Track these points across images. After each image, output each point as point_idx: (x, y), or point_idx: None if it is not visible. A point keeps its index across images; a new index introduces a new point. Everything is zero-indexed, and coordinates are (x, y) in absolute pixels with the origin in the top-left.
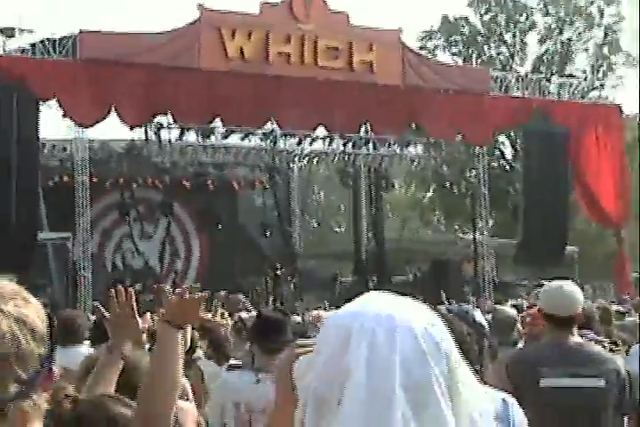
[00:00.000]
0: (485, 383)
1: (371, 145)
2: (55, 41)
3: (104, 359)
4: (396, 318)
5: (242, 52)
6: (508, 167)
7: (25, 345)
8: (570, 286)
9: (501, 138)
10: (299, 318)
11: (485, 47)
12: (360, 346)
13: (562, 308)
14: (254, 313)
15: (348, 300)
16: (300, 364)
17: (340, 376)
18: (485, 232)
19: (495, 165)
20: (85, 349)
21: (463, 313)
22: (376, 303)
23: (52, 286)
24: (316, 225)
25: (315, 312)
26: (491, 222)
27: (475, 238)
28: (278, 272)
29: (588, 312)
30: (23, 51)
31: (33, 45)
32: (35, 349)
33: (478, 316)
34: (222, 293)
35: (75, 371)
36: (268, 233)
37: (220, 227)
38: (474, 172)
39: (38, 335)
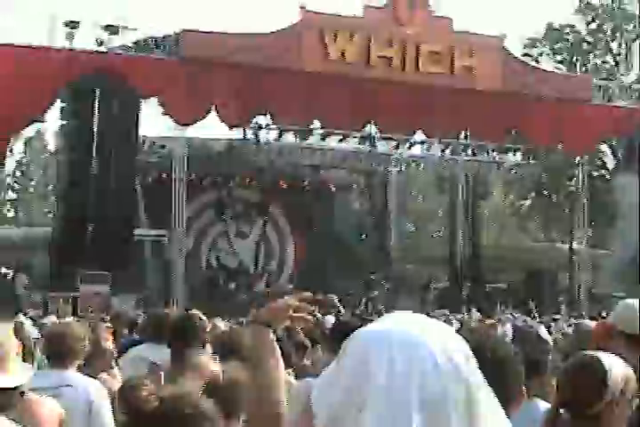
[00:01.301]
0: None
1: (470, 151)
2: (158, 39)
3: None
4: (415, 337)
5: (343, 55)
6: (609, 177)
7: None
8: None
9: (603, 147)
10: None
11: (590, 56)
12: (380, 363)
13: (634, 325)
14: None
15: (441, 306)
16: (323, 375)
17: (361, 393)
18: (584, 242)
19: (596, 174)
20: None
21: (527, 329)
22: (400, 322)
23: (147, 282)
24: (412, 230)
25: None
26: (589, 232)
27: (572, 248)
28: (372, 276)
29: None
30: (126, 48)
31: (136, 43)
32: None
33: (543, 332)
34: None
35: (163, 366)
36: (363, 236)
37: (315, 229)
38: (574, 181)
39: None
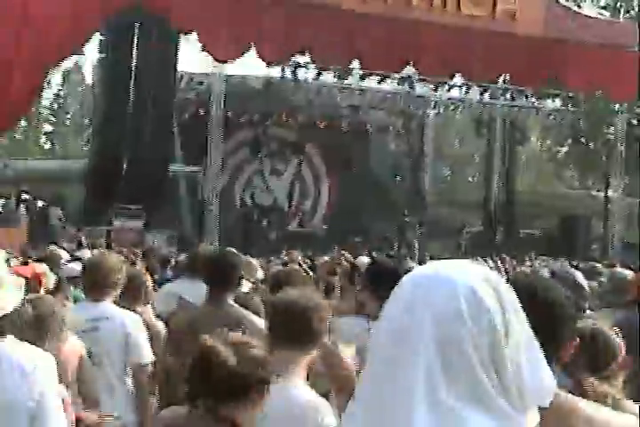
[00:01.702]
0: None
1: (508, 96)
2: None
3: None
4: (438, 275)
5: None
6: None
7: None
8: None
9: None
10: (414, 265)
11: (634, 1)
12: (400, 301)
13: None
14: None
15: (474, 250)
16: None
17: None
18: (619, 190)
19: (635, 122)
20: None
21: (564, 274)
22: (438, 266)
23: (181, 218)
24: (447, 173)
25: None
26: (625, 181)
27: (607, 196)
28: (406, 219)
29: None
30: None
31: None
32: None
33: (579, 277)
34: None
35: (193, 304)
36: (398, 178)
37: (351, 170)
38: (612, 128)
39: None
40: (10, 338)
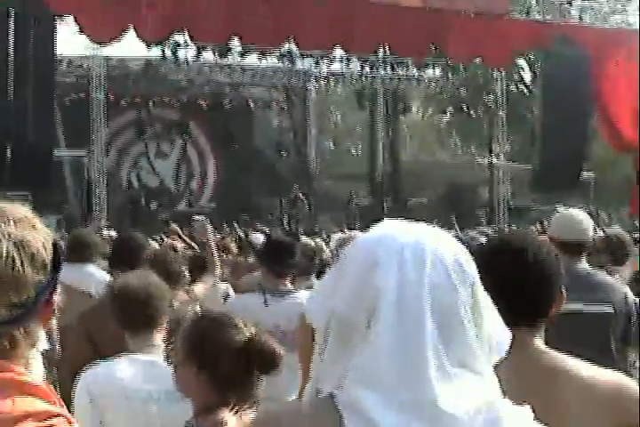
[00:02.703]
0: None
1: (389, 67)
2: None
3: None
4: (424, 244)
5: None
6: (526, 91)
7: (21, 270)
8: (580, 214)
9: (520, 62)
10: (309, 241)
11: None
12: (389, 269)
13: (571, 234)
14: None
15: (363, 222)
16: (319, 286)
17: (369, 299)
18: (502, 157)
19: (514, 89)
20: (93, 268)
21: (469, 240)
22: (402, 229)
23: (68, 203)
24: (332, 146)
25: (339, 235)
26: (507, 147)
27: (491, 163)
28: (294, 193)
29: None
30: None
31: None
32: (32, 275)
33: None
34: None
35: (79, 289)
36: (283, 154)
37: (235, 147)
38: (492, 96)
39: (39, 262)
40: None
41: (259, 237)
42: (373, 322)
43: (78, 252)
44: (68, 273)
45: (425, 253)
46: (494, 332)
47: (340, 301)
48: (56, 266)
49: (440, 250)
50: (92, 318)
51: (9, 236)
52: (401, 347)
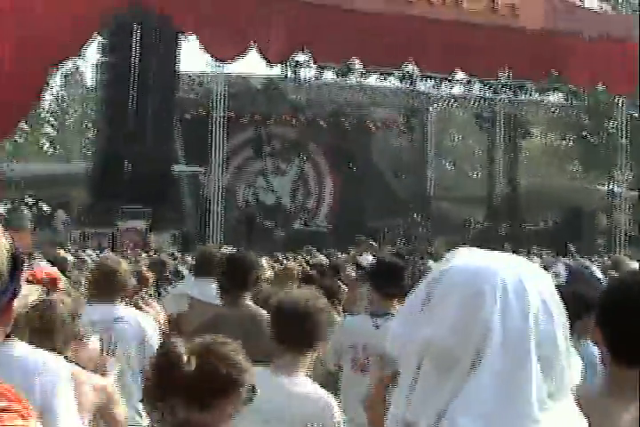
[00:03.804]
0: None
1: (510, 91)
2: None
3: None
4: (522, 275)
5: None
6: None
7: None
8: None
9: None
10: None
11: None
12: (493, 302)
13: None
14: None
15: (479, 245)
16: (403, 313)
17: (475, 332)
18: (623, 184)
19: (636, 115)
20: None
21: (581, 268)
22: (493, 259)
23: (185, 218)
24: (450, 168)
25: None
26: (628, 174)
27: (611, 190)
28: (411, 215)
29: None
30: None
31: None
32: None
33: (596, 271)
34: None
35: (207, 302)
36: (401, 175)
37: (353, 167)
38: (613, 122)
39: None
40: (17, 341)
41: (367, 259)
42: (479, 354)
43: (205, 267)
44: (196, 287)
45: (525, 285)
46: (571, 361)
47: (440, 332)
48: (12, 276)
49: (537, 281)
50: (212, 326)
51: None
52: (506, 379)
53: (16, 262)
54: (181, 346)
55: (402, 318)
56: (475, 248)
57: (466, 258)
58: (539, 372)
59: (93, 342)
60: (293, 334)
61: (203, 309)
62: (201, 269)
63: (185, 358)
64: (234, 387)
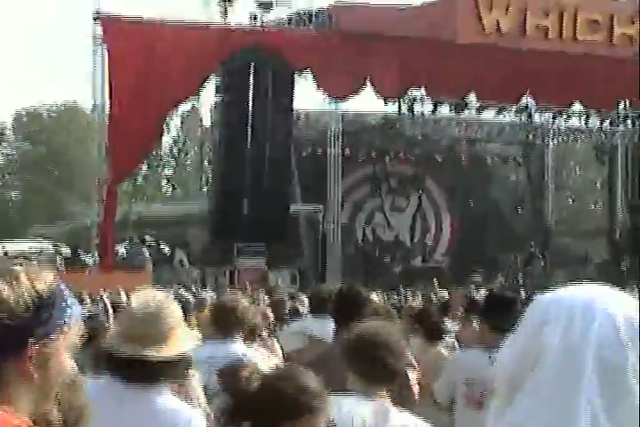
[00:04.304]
0: None
1: (629, 122)
2: (311, 13)
3: None
4: (595, 302)
5: (498, 25)
6: None
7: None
8: None
9: None
10: None
11: None
12: (557, 326)
13: None
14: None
15: (600, 279)
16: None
17: (532, 355)
18: None
19: None
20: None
21: None
22: (579, 291)
23: (303, 256)
24: (570, 202)
25: None
26: None
27: None
28: (530, 249)
29: None
30: (280, 23)
31: (289, 18)
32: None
33: None
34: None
35: (323, 341)
36: (520, 209)
37: (471, 202)
38: None
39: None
40: (163, 386)
41: (482, 294)
42: (533, 377)
43: (321, 305)
44: (312, 325)
45: (594, 311)
46: None
47: (506, 357)
48: (40, 319)
49: (613, 310)
50: (320, 361)
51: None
52: (556, 402)
53: (43, 305)
54: (248, 370)
55: (504, 348)
56: (591, 283)
57: (558, 290)
58: (596, 397)
59: (195, 379)
60: (367, 363)
61: (319, 346)
62: (316, 307)
63: (248, 379)
64: (301, 411)
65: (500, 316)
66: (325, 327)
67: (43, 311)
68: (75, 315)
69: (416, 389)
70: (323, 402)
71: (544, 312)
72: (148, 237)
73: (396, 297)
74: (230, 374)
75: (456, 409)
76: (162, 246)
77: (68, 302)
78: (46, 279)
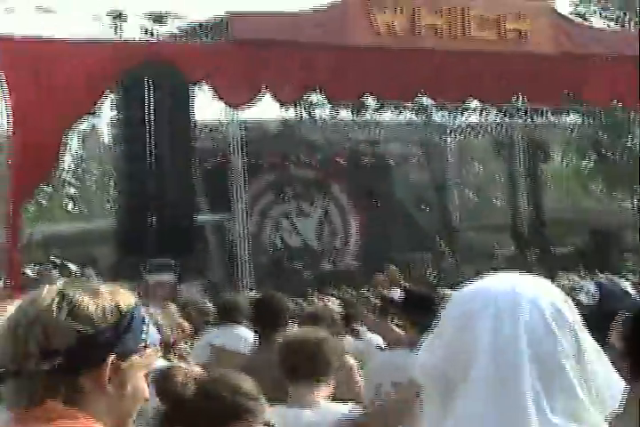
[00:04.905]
0: None
1: (526, 115)
2: (204, 24)
3: None
4: (520, 292)
5: (391, 27)
6: None
7: (59, 317)
8: None
9: None
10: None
11: None
12: (485, 321)
13: None
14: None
15: (508, 272)
16: (424, 342)
17: (464, 353)
18: None
19: None
20: (243, 330)
21: (613, 285)
22: (498, 281)
23: (212, 267)
24: (473, 198)
25: None
26: None
27: (636, 206)
28: (439, 246)
29: None
30: (174, 36)
31: (184, 30)
32: (72, 325)
33: (627, 286)
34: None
35: (231, 351)
36: (425, 208)
37: (376, 204)
38: (632, 138)
39: (81, 316)
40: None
41: (395, 293)
42: (469, 374)
43: (227, 314)
44: (219, 337)
45: (521, 302)
46: (606, 382)
47: (432, 360)
48: (120, 335)
49: (537, 297)
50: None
51: (62, 294)
52: (498, 396)
53: (126, 319)
54: (182, 374)
55: (422, 347)
56: (499, 273)
57: (476, 282)
58: (537, 386)
59: None
60: (302, 364)
61: (227, 358)
62: (224, 317)
63: (182, 384)
64: (237, 413)
65: (419, 311)
66: (233, 338)
67: (123, 328)
68: (152, 337)
69: (359, 378)
70: (259, 405)
71: (466, 307)
72: (54, 258)
73: (304, 303)
74: (164, 380)
75: None
76: (69, 265)
77: (147, 323)
78: (129, 299)
